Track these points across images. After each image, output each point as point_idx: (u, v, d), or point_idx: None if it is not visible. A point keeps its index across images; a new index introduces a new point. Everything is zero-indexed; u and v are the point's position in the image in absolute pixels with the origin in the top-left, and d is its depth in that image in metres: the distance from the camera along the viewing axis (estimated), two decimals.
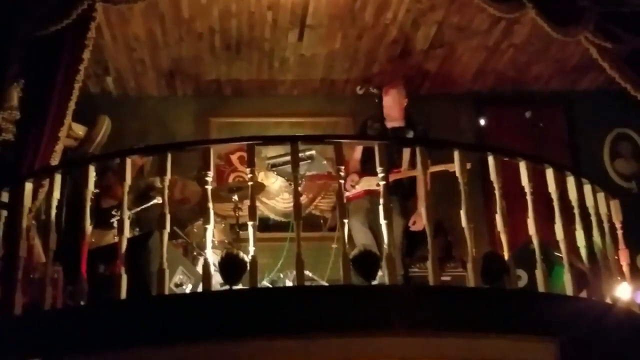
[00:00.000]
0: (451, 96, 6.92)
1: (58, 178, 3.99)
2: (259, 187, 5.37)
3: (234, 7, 5.48)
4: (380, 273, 3.63)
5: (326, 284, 4.87)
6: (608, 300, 4.08)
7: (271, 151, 5.28)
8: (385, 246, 3.63)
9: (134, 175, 4.17)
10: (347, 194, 4.83)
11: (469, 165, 3.89)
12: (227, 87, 6.79)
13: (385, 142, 4.15)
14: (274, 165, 5.12)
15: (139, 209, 5.04)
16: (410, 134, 5.15)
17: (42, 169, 4.46)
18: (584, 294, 4.19)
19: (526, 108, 6.55)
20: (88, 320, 3.55)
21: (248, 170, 3.77)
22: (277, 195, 6.46)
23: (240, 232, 5.24)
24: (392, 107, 5.15)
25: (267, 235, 5.82)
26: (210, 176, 3.72)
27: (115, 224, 4.61)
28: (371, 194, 4.91)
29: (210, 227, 3.67)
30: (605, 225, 4.31)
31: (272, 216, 6.55)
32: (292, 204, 3.73)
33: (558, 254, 4.17)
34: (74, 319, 3.61)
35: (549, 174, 4.10)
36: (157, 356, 3.43)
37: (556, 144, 6.75)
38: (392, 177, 4.83)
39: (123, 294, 3.55)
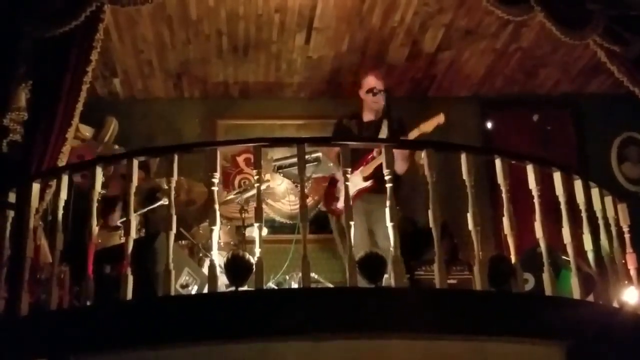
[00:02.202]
0: (458, 99, 6.90)
1: (65, 179, 4.00)
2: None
3: (242, 10, 5.48)
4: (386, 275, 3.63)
5: (332, 286, 4.86)
6: (615, 304, 4.06)
7: (277, 153, 5.28)
8: (391, 249, 3.61)
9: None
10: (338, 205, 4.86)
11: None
12: (234, 89, 6.79)
13: (393, 144, 4.13)
14: (280, 167, 5.11)
15: (145, 210, 5.05)
16: (385, 126, 5.01)
17: (49, 169, 4.47)
18: (591, 298, 4.17)
19: (533, 111, 6.56)
20: (94, 320, 3.55)
21: (254, 172, 3.77)
22: (283, 197, 6.45)
23: (246, 233, 5.24)
24: (381, 91, 5.11)
25: (273, 237, 5.82)
26: (216, 177, 3.72)
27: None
28: (361, 195, 4.90)
29: (216, 229, 3.66)
30: (613, 229, 4.29)
31: (278, 218, 6.55)
32: (298, 206, 3.73)
33: (565, 258, 4.15)
34: (80, 320, 3.61)
35: (557, 177, 4.08)
36: (162, 357, 3.44)
37: (563, 148, 6.74)
38: (370, 165, 4.92)
39: (129, 295, 3.56)
